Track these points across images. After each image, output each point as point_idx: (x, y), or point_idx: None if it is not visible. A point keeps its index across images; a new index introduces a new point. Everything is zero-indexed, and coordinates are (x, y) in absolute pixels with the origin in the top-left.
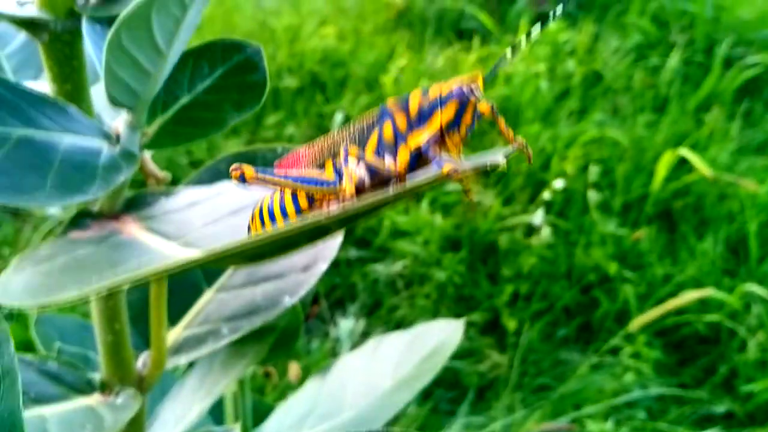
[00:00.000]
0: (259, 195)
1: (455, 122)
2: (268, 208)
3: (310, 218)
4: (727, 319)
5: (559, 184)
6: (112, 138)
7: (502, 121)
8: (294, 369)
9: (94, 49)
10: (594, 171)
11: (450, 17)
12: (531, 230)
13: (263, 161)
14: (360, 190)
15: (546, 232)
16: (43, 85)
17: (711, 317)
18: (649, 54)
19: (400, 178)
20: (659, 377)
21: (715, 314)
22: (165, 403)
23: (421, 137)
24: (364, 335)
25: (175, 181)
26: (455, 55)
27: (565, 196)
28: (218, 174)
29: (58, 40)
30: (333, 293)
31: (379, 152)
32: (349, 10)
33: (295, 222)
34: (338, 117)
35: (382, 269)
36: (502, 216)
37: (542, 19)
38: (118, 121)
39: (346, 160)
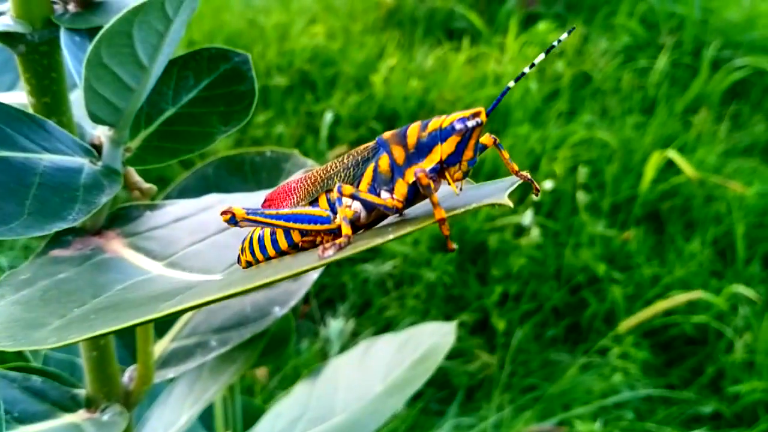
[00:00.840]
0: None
1: (456, 156)
2: (259, 240)
3: (306, 262)
4: (714, 320)
5: (548, 185)
6: (93, 154)
7: (505, 154)
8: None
9: (72, 61)
10: (583, 172)
11: (440, 17)
12: (520, 231)
13: (251, 165)
14: (355, 224)
15: (535, 233)
16: (19, 95)
17: (698, 318)
18: (637, 56)
19: (398, 211)
20: (647, 378)
21: (702, 315)
22: (153, 410)
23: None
24: (354, 335)
25: (165, 181)
26: (445, 55)
27: (554, 196)
28: (206, 177)
29: (35, 51)
30: (323, 293)
31: (374, 186)
32: (338, 9)
33: (290, 261)
34: (328, 116)
35: (371, 269)
36: (492, 216)
37: (548, 49)
38: (99, 131)
39: (340, 200)
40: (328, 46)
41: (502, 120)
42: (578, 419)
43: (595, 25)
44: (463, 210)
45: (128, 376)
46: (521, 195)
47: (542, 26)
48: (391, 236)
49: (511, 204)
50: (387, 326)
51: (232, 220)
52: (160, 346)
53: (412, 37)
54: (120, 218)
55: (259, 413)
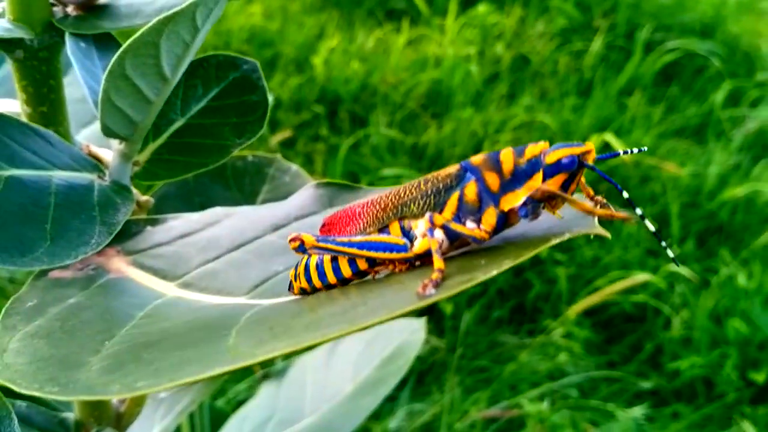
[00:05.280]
0: (262, 224)
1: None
2: (317, 266)
3: (400, 299)
4: (652, 298)
5: None
6: (100, 169)
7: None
8: None
9: (80, 70)
10: None
11: None
12: None
13: (233, 171)
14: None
15: None
16: (11, 103)
17: (637, 297)
18: (573, 38)
19: (483, 242)
20: (590, 356)
21: (640, 294)
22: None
23: (517, 200)
24: None
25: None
26: (385, 36)
27: None
28: (186, 184)
29: (34, 57)
30: None
31: (459, 215)
32: None
33: (377, 297)
34: (269, 99)
35: None
36: None
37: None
38: (88, 143)
39: (432, 231)
40: (265, 27)
41: (444, 103)
42: (526, 399)
43: (533, 7)
44: (557, 241)
45: (119, 397)
46: None
47: (482, 8)
48: (494, 272)
49: (608, 234)
50: None
51: (301, 248)
52: None
53: (352, 18)
54: (119, 234)
55: (224, 417)
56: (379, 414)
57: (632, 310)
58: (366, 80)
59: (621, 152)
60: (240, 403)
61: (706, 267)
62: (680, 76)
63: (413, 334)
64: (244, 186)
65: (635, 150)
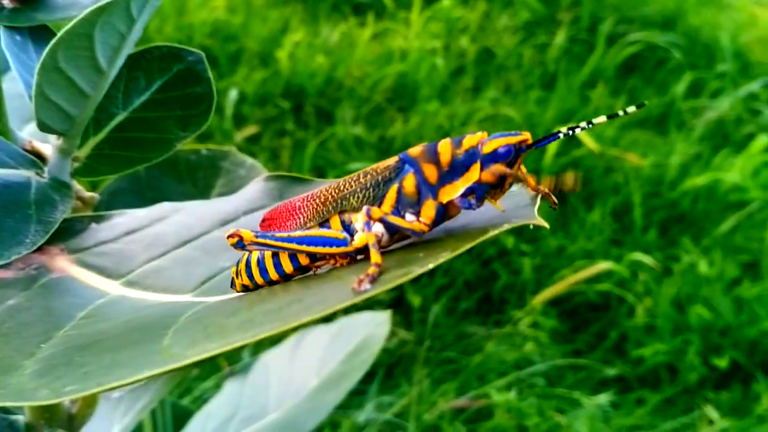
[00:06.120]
0: (210, 219)
1: (500, 182)
2: (259, 262)
3: (337, 295)
4: (616, 287)
5: None
6: (38, 165)
7: (523, 167)
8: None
9: (15, 63)
10: None
11: None
12: None
13: (186, 164)
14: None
15: None
16: None
17: (601, 286)
18: (537, 31)
19: (423, 234)
20: (555, 345)
21: (604, 283)
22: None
23: (456, 191)
24: None
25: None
26: (350, 30)
27: None
28: (138, 179)
29: None
30: None
31: (398, 208)
32: None
33: (315, 293)
34: (232, 94)
35: None
36: None
37: (588, 122)
38: (35, 138)
39: (368, 224)
40: (229, 20)
41: (410, 97)
42: (494, 389)
43: (497, 1)
44: (496, 232)
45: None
46: None
47: (446, 2)
48: (431, 265)
49: (546, 225)
50: None
51: (239, 244)
52: None
53: (317, 11)
54: (62, 231)
55: (188, 415)
56: (348, 407)
57: (597, 299)
58: (331, 74)
59: (561, 134)
60: (206, 401)
61: (668, 255)
62: (642, 68)
63: (378, 328)
64: (198, 180)
65: (577, 129)
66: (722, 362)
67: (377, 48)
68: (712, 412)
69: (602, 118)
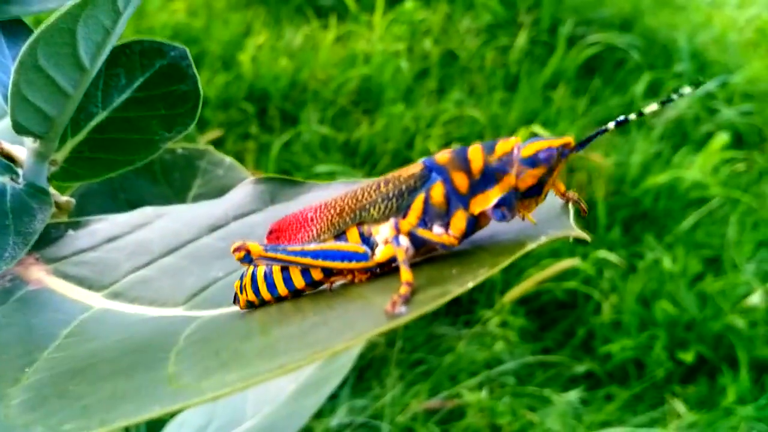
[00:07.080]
0: (197, 225)
1: (538, 189)
2: (266, 277)
3: (365, 318)
4: (582, 284)
5: None
6: (13, 170)
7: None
8: None
9: None
10: None
11: None
12: None
13: (161, 165)
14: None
15: None
16: None
17: (568, 284)
18: (498, 33)
19: (452, 248)
20: (525, 343)
21: (571, 281)
22: None
23: (488, 201)
24: None
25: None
26: (313, 32)
27: None
28: (110, 180)
29: None
30: None
31: (425, 220)
32: None
33: (339, 316)
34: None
35: None
36: None
37: (665, 101)
38: (10, 144)
39: (397, 239)
40: (190, 23)
41: (375, 99)
42: (466, 389)
43: (459, 3)
44: (534, 246)
45: None
46: None
47: (409, 4)
48: (470, 284)
49: (588, 237)
50: None
51: (247, 258)
52: None
53: (279, 14)
54: (37, 240)
55: (161, 424)
56: (321, 412)
57: (564, 297)
58: (295, 77)
59: (607, 128)
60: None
61: (632, 252)
62: (602, 69)
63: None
64: (173, 181)
65: (625, 120)
66: (688, 356)
67: (341, 51)
68: (679, 406)
69: (654, 106)
